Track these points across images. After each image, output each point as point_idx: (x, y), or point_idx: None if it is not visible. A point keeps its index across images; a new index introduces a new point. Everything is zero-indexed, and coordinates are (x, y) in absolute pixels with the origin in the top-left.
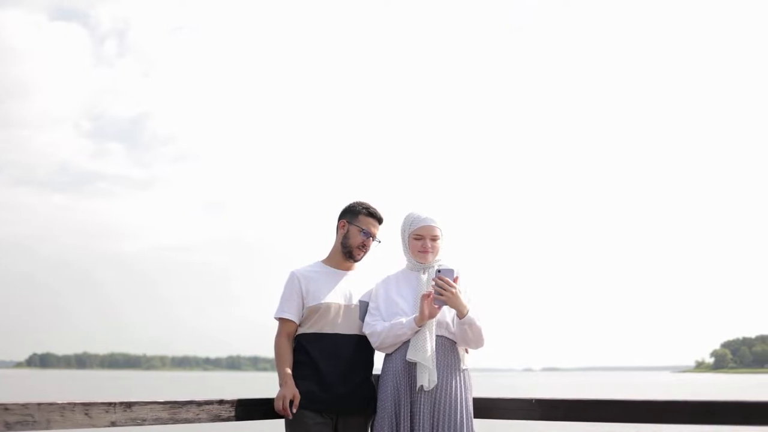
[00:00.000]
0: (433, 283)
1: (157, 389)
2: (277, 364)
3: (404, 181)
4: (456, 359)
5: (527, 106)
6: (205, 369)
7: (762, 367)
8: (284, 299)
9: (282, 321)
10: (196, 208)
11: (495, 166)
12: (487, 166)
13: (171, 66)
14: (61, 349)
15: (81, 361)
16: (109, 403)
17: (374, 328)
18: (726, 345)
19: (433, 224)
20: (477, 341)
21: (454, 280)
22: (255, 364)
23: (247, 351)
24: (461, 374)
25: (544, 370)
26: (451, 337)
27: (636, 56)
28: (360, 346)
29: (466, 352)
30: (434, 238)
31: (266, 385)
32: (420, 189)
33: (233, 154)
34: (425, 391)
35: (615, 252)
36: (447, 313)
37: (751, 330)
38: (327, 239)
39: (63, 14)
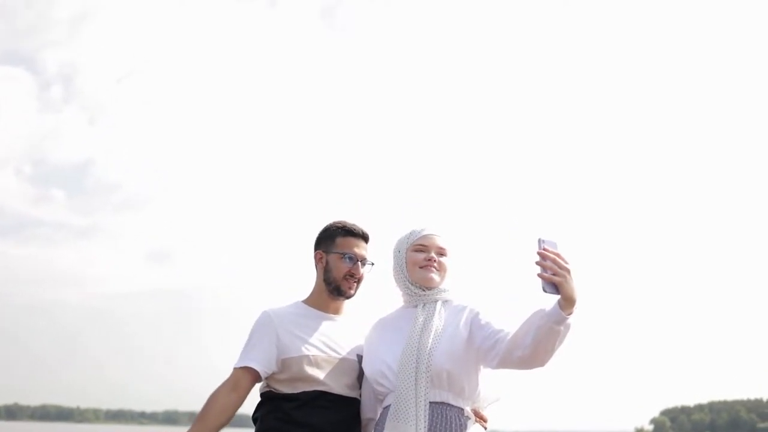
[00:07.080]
0: (539, 258)
1: None
2: (198, 420)
3: (387, 210)
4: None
5: (518, 109)
6: (141, 423)
7: None
8: (251, 343)
9: (241, 371)
10: (138, 258)
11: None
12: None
13: (117, 114)
14: None
15: (11, 413)
16: None
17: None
18: (665, 413)
19: (439, 234)
20: (552, 355)
21: None
22: (192, 419)
23: (184, 405)
24: None
25: None
26: (454, 402)
27: (634, 53)
28: (348, 411)
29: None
30: (441, 252)
31: None
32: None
33: (180, 203)
34: None
35: None
36: (447, 358)
37: (689, 398)
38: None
39: (8, 58)
